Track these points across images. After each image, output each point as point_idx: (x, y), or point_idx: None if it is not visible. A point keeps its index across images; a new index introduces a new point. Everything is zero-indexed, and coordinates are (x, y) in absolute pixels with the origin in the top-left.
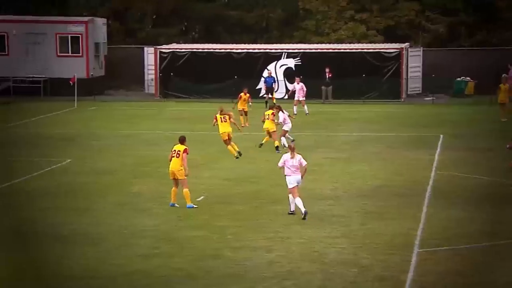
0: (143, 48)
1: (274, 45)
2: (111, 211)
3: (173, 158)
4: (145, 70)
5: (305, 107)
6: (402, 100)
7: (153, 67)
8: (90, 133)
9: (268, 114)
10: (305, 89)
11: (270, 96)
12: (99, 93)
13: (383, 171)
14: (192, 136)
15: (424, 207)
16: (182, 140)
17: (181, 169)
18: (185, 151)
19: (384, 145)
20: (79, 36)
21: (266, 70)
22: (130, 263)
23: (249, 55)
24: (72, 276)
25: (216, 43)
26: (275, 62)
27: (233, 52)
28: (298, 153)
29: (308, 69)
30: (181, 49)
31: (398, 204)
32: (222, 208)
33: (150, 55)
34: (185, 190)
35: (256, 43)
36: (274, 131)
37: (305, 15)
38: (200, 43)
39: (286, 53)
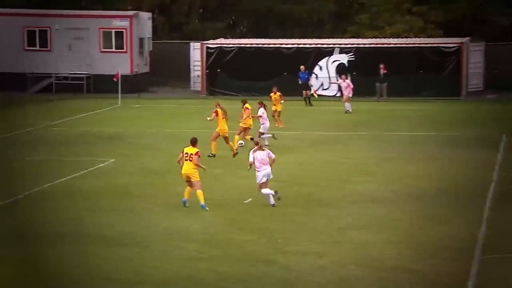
0: (189, 43)
1: (326, 40)
2: (157, 213)
3: (185, 161)
4: (191, 67)
5: (347, 104)
6: (462, 97)
7: (199, 63)
8: (134, 132)
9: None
10: (352, 86)
11: (310, 93)
12: (143, 90)
13: (440, 172)
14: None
15: (486, 211)
16: (193, 142)
17: (195, 171)
18: (196, 154)
19: (442, 145)
20: (123, 31)
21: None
22: (176, 268)
23: (299, 50)
24: (117, 279)
25: (265, 38)
26: (326, 58)
27: (282, 48)
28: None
29: (361, 65)
30: (229, 44)
31: (458, 207)
32: (272, 210)
33: (196, 50)
34: (199, 191)
35: (307, 38)
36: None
37: (359, 8)
38: (248, 38)
39: (338, 48)
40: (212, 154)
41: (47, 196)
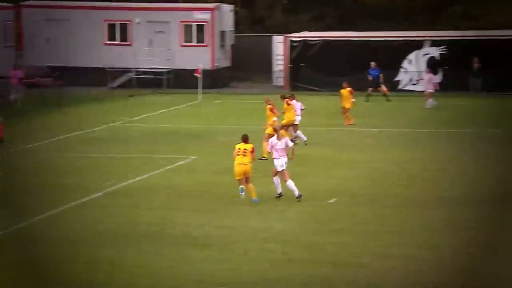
0: (271, 36)
1: (416, 32)
2: (242, 213)
3: (238, 157)
4: (274, 61)
5: (430, 100)
6: None
7: (282, 57)
8: (215, 128)
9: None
10: (434, 81)
11: (379, 89)
12: (224, 85)
13: None
14: (328, 132)
15: None
16: (245, 139)
17: (250, 165)
18: (252, 150)
19: None
20: (204, 24)
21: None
22: (263, 269)
23: (388, 43)
24: (209, 282)
25: (352, 31)
26: (416, 51)
27: (370, 41)
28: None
29: (454, 59)
30: (313, 37)
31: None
32: (363, 211)
33: (279, 44)
34: (250, 185)
35: (396, 30)
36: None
37: None
38: (334, 30)
39: (429, 41)
40: (263, 157)
41: (127, 194)
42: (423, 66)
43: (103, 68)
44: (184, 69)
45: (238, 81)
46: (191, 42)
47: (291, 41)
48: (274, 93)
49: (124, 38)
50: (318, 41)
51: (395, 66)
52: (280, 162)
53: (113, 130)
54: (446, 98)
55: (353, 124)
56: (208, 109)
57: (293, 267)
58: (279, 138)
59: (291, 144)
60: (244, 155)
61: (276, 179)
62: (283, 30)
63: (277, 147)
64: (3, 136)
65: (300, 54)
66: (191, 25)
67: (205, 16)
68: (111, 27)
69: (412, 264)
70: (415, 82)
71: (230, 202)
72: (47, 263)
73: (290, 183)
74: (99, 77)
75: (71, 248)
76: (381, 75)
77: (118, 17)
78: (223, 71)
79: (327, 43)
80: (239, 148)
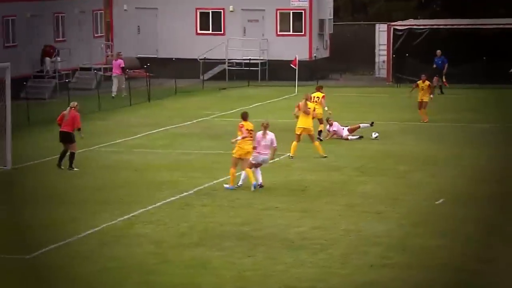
0: (374, 25)
1: None
2: (338, 214)
3: (244, 140)
4: (376, 51)
5: None
6: None
7: (385, 47)
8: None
9: (318, 97)
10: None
11: (442, 81)
12: (322, 77)
13: None
14: (431, 128)
15: None
16: (245, 117)
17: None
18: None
19: None
20: (302, 12)
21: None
22: (360, 273)
23: (503, 31)
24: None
25: (462, 18)
26: None
27: (482, 29)
28: (270, 132)
29: None
30: (419, 25)
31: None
32: (467, 212)
33: (382, 33)
34: (248, 169)
35: (509, 17)
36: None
37: None
38: (442, 18)
39: None
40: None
41: (220, 192)
42: None
43: (195, 59)
44: (280, 60)
45: (337, 72)
46: (287, 31)
47: (395, 29)
48: (376, 85)
49: (217, 27)
50: (424, 30)
51: (510, 57)
52: (257, 158)
53: (203, 125)
54: None
55: (427, 122)
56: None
57: (391, 271)
58: (264, 135)
59: (275, 143)
60: (251, 138)
61: (256, 171)
62: (387, 18)
63: (262, 143)
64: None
65: (404, 44)
66: (288, 13)
67: (303, 3)
68: (203, 16)
69: None
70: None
71: (324, 201)
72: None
73: (245, 174)
74: (191, 68)
75: (160, 248)
76: (446, 65)
77: (210, 4)
78: (321, 62)
79: (434, 31)
80: (247, 129)
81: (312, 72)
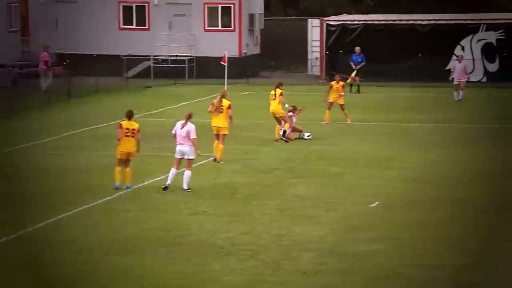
0: (306, 20)
1: (470, 14)
2: (269, 218)
3: (126, 138)
4: (309, 47)
5: (461, 92)
6: None
7: (318, 44)
8: (240, 123)
9: (275, 94)
10: (468, 70)
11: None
12: (253, 75)
13: None
14: (372, 128)
15: None
16: (130, 116)
17: (135, 150)
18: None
19: None
20: (231, 6)
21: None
22: (292, 281)
23: (437, 28)
24: None
25: (396, 14)
26: (470, 36)
27: (417, 24)
28: (192, 123)
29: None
30: (353, 21)
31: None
32: (404, 216)
33: (315, 28)
34: (128, 169)
35: (446, 12)
36: (282, 115)
37: None
38: (376, 13)
39: (485, 25)
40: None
41: (144, 196)
42: (477, 53)
43: (118, 55)
44: (208, 57)
45: (268, 70)
46: (216, 26)
47: (328, 25)
48: (309, 83)
49: (141, 22)
50: (358, 25)
51: (446, 54)
52: (177, 150)
53: None
54: (504, 89)
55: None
56: (235, 102)
57: (324, 278)
58: (184, 125)
59: (193, 136)
60: (132, 136)
61: (173, 171)
62: (319, 13)
63: (179, 133)
64: None
65: (338, 40)
66: (216, 7)
67: None
68: (126, 9)
69: (457, 276)
70: (469, 71)
71: (255, 204)
72: (57, 270)
73: (187, 175)
74: (114, 65)
75: (81, 256)
76: (362, 64)
77: None
78: (252, 59)
79: (368, 27)
80: (127, 128)
81: (242, 69)
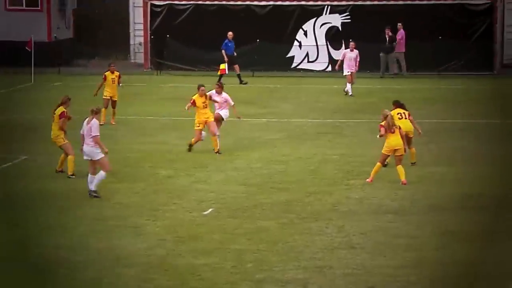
0: (128, 0)
1: None
2: (87, 229)
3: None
4: (131, 31)
5: (349, 86)
6: (495, 72)
7: (141, 27)
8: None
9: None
10: (358, 59)
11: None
12: (65, 63)
13: (470, 175)
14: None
15: None
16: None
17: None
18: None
19: (471, 137)
20: None
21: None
22: None
23: (277, 10)
24: None
25: None
26: (314, 20)
27: (254, 5)
28: (96, 120)
29: (360, 29)
30: (181, 1)
31: (488, 221)
32: (238, 225)
33: (137, 9)
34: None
35: None
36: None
37: None
38: None
39: (329, 7)
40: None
41: None
42: (322, 38)
43: None
44: (11, 41)
45: (83, 57)
46: (19, 5)
47: (153, 5)
48: (132, 72)
49: None
50: (187, 6)
51: (287, 39)
52: (83, 150)
53: None
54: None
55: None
56: (44, 94)
57: None
58: (89, 122)
59: (95, 133)
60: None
61: (89, 177)
62: None
63: (85, 131)
64: None
65: (164, 23)
66: None
67: None
68: None
69: None
70: (312, 59)
71: (78, 214)
72: None
73: (98, 176)
74: None
75: None
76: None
77: None
78: (63, 44)
79: (198, 8)
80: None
81: (52, 56)
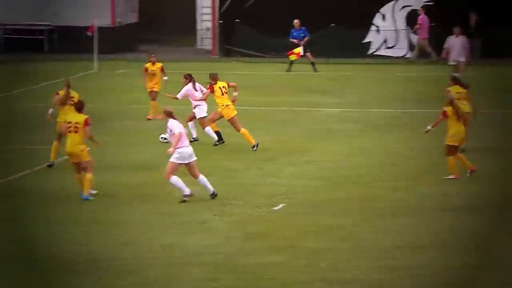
0: None
1: None
2: (151, 225)
3: (69, 134)
4: (198, 16)
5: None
6: None
7: (209, 11)
8: (115, 109)
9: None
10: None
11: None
12: (130, 49)
13: None
14: (268, 113)
15: None
16: (79, 108)
17: (84, 148)
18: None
19: None
20: None
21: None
22: None
23: None
24: None
25: None
26: (392, 3)
27: None
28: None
29: (442, 13)
30: None
31: None
32: (311, 221)
33: None
34: (89, 175)
35: None
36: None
37: None
38: None
39: None
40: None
41: None
42: (401, 23)
43: None
44: (73, 27)
45: (148, 43)
46: None
47: None
48: (198, 59)
49: None
50: None
51: (363, 24)
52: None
53: None
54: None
55: (151, 119)
56: (107, 82)
57: None
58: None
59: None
60: (75, 132)
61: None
62: None
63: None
64: None
65: (233, 7)
66: None
67: None
68: None
69: None
70: (391, 45)
71: (135, 209)
72: None
73: (202, 180)
74: None
75: None
76: (306, 38)
77: None
78: (127, 29)
79: None
80: (70, 122)
81: (115, 42)
